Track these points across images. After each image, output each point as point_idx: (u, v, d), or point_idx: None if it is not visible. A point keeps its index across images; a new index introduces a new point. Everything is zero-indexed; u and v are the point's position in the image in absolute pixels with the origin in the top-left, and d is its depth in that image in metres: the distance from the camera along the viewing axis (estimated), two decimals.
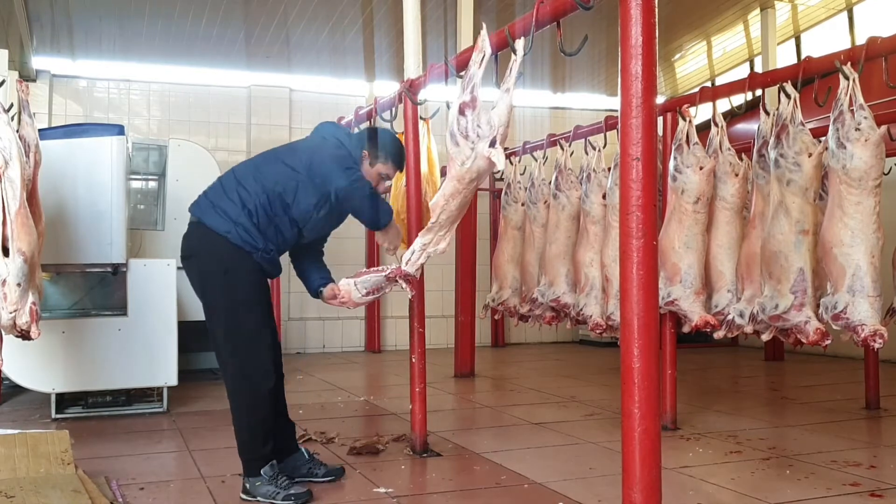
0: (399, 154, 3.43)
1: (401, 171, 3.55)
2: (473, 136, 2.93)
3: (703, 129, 4.41)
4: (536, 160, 5.46)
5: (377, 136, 3.39)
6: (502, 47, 3.05)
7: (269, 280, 3.31)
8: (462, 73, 3.18)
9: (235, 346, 3.12)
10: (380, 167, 3.35)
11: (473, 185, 3.14)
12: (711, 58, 9.75)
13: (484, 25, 3.05)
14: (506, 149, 4.37)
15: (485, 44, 3.00)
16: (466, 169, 3.01)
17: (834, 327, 3.45)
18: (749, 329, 3.89)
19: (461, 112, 2.96)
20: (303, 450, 3.46)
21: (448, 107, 3.95)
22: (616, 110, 2.35)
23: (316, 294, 3.51)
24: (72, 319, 4.97)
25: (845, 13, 8.34)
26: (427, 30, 6.41)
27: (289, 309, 8.69)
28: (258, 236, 3.11)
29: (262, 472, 3.14)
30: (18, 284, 3.17)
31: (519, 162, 5.79)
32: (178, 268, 5.04)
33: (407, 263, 3.35)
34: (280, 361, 3.35)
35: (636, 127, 2.19)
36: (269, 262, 3.18)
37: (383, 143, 3.36)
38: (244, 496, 3.17)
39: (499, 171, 3.23)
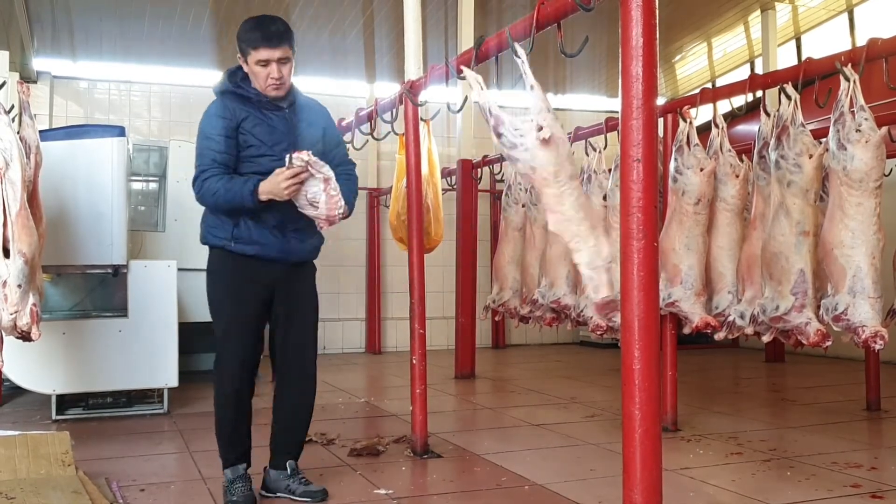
0: (245, 31, 3.17)
1: (264, 43, 3.17)
2: (518, 141, 2.85)
3: (704, 130, 4.41)
4: None
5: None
6: (503, 49, 3.05)
7: (272, 279, 3.12)
8: (462, 76, 3.18)
9: (216, 342, 3.14)
10: (247, 59, 3.18)
11: (562, 177, 2.85)
12: (712, 59, 9.75)
13: (469, 74, 3.05)
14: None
15: (475, 84, 2.99)
16: (539, 168, 2.83)
17: (834, 328, 3.45)
18: (750, 330, 3.89)
19: (498, 136, 2.90)
20: (288, 465, 3.21)
21: (449, 108, 3.96)
22: (616, 111, 2.35)
23: None
24: (72, 321, 4.97)
25: (846, 14, 8.34)
26: (427, 31, 6.41)
27: None
28: (222, 225, 3.07)
29: (224, 472, 3.11)
30: (19, 286, 3.17)
31: None
32: (179, 269, 5.09)
33: (595, 292, 2.89)
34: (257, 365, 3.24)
35: (637, 128, 2.19)
36: (250, 241, 3.05)
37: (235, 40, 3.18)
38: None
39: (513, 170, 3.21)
